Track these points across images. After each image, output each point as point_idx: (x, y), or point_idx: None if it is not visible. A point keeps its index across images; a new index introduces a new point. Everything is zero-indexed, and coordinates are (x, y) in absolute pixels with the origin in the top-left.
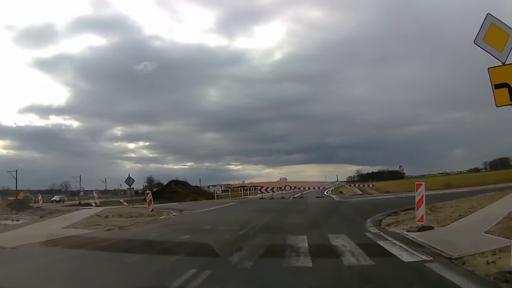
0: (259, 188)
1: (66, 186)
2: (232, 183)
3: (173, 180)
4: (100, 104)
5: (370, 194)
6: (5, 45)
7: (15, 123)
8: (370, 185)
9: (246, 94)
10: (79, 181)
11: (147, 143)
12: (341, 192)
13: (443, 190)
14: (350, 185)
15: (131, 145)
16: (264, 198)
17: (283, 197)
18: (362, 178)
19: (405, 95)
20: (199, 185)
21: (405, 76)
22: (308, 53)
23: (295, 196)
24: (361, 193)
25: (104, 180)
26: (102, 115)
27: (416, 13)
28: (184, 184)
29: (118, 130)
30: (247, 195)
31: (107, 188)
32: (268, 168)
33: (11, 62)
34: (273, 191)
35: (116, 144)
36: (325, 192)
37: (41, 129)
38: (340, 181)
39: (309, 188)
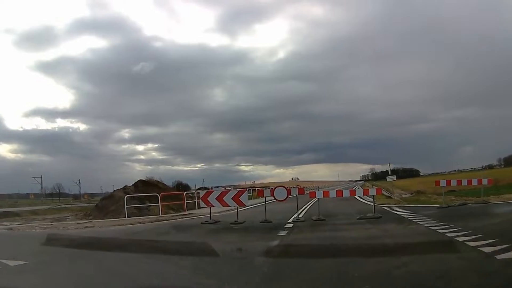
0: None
1: (59, 189)
2: (244, 183)
3: (140, 180)
4: (105, 106)
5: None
6: (6, 49)
7: (21, 127)
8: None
9: (252, 94)
10: (78, 184)
11: (156, 145)
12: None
13: None
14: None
15: (140, 147)
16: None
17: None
18: (376, 176)
19: (411, 92)
20: (206, 186)
21: (410, 73)
22: (312, 52)
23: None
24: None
25: (101, 187)
26: (109, 117)
27: (418, 8)
28: (153, 185)
29: (125, 132)
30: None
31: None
32: (279, 168)
33: (14, 66)
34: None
35: (124, 146)
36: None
37: (48, 133)
38: (352, 180)
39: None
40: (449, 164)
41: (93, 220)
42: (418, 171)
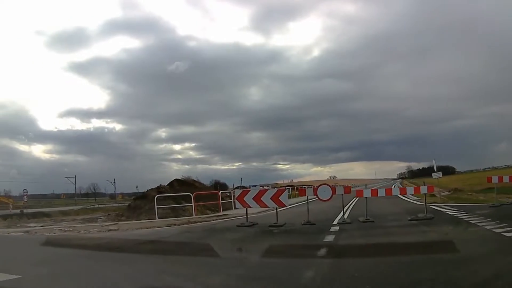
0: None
1: (94, 189)
2: (281, 182)
3: (176, 179)
4: (141, 106)
5: None
6: (38, 50)
7: (56, 128)
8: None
9: (288, 92)
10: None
11: (193, 144)
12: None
13: None
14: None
15: (177, 147)
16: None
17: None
18: (413, 174)
19: (447, 88)
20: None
21: (446, 69)
22: (346, 49)
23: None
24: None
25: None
26: (144, 117)
27: (451, 3)
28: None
29: (162, 132)
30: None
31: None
32: (316, 167)
33: (46, 67)
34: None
35: (161, 145)
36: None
37: (83, 133)
38: (389, 178)
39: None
40: (484, 161)
41: (120, 222)
42: (454, 168)
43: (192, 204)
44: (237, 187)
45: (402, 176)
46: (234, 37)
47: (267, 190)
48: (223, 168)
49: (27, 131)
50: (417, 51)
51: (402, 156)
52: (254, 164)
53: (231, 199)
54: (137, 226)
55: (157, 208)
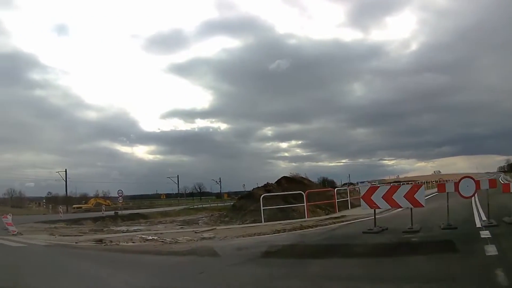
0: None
1: (199, 188)
2: (388, 178)
3: (284, 177)
4: (245, 105)
5: None
6: (135, 53)
7: (159, 129)
8: None
9: (389, 87)
10: (219, 183)
11: (300, 142)
12: None
13: None
14: None
15: (283, 145)
16: None
17: None
18: None
19: None
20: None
21: None
22: (442, 42)
23: None
24: None
25: (243, 186)
26: (249, 116)
27: None
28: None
29: (268, 130)
30: None
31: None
32: (420, 162)
33: (146, 69)
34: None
35: (268, 144)
36: None
37: (187, 133)
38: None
39: None
40: None
41: (219, 228)
42: None
43: (304, 204)
44: (345, 184)
45: (502, 170)
46: (332, 34)
47: (398, 186)
48: (330, 165)
49: (129, 132)
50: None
51: (500, 149)
52: (360, 160)
53: (345, 198)
54: (238, 233)
55: (263, 209)
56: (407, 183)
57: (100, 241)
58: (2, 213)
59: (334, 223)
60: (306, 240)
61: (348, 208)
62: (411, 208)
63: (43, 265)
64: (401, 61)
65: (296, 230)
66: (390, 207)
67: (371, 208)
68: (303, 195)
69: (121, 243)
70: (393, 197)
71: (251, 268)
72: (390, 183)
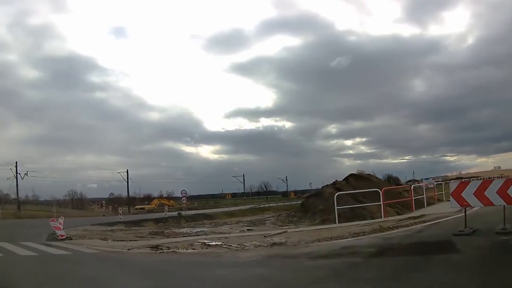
0: None
1: (265, 187)
2: (450, 175)
3: (351, 174)
4: (308, 103)
5: None
6: (196, 53)
7: (223, 128)
8: None
9: (449, 82)
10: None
11: (364, 139)
12: None
13: None
14: None
15: (348, 142)
16: None
17: None
18: None
19: None
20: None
21: None
22: (497, 36)
23: None
24: None
25: (310, 184)
26: (313, 114)
27: None
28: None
29: (332, 128)
30: None
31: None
32: (480, 158)
33: (208, 69)
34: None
35: (332, 141)
36: None
37: (252, 132)
38: None
39: None
40: None
41: (290, 230)
42: None
43: (381, 202)
44: (409, 181)
45: None
46: (391, 30)
47: (490, 181)
48: (394, 162)
49: (193, 132)
50: None
51: None
52: (423, 156)
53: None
54: (312, 236)
55: (334, 208)
56: (476, 179)
57: (156, 247)
58: (61, 215)
59: (416, 223)
60: (394, 245)
61: (424, 206)
62: (504, 206)
63: (71, 278)
64: (459, 55)
65: (376, 233)
66: (482, 205)
67: (462, 206)
68: (375, 193)
69: (179, 250)
70: (485, 193)
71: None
72: (452, 179)
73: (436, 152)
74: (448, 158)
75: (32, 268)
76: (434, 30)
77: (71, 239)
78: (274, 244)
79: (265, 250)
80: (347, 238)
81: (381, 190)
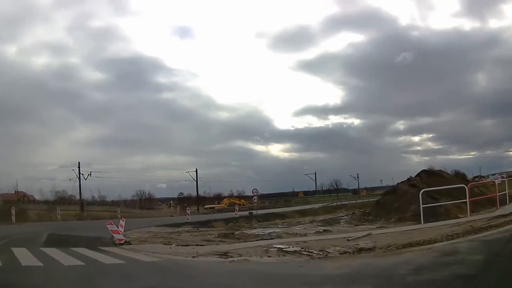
0: None
1: (336, 185)
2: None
3: (423, 171)
4: (375, 99)
5: None
6: (262, 52)
7: (292, 126)
8: None
9: (510, 75)
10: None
11: (431, 135)
12: None
13: None
14: None
15: (415, 138)
16: None
17: None
18: None
19: None
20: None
21: None
22: None
23: None
24: None
25: (381, 181)
26: (380, 110)
27: None
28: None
29: (400, 124)
30: None
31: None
32: None
33: (274, 68)
34: None
35: (400, 138)
36: None
37: (321, 130)
38: None
39: None
40: None
41: (374, 232)
42: None
43: (467, 200)
44: (476, 177)
45: None
46: (451, 23)
47: None
48: (460, 157)
49: (263, 131)
50: None
51: None
52: (488, 152)
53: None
54: (401, 240)
55: (410, 206)
56: None
57: (225, 254)
58: (125, 216)
59: (509, 222)
60: (500, 251)
61: (507, 203)
62: None
63: None
64: None
65: (471, 235)
66: None
67: None
68: (453, 189)
69: (252, 257)
70: None
71: None
72: None
73: (501, 147)
74: (511, 153)
75: (70, 285)
76: (493, 23)
77: (130, 243)
78: (361, 250)
79: (352, 259)
80: (441, 241)
81: (467, 186)
